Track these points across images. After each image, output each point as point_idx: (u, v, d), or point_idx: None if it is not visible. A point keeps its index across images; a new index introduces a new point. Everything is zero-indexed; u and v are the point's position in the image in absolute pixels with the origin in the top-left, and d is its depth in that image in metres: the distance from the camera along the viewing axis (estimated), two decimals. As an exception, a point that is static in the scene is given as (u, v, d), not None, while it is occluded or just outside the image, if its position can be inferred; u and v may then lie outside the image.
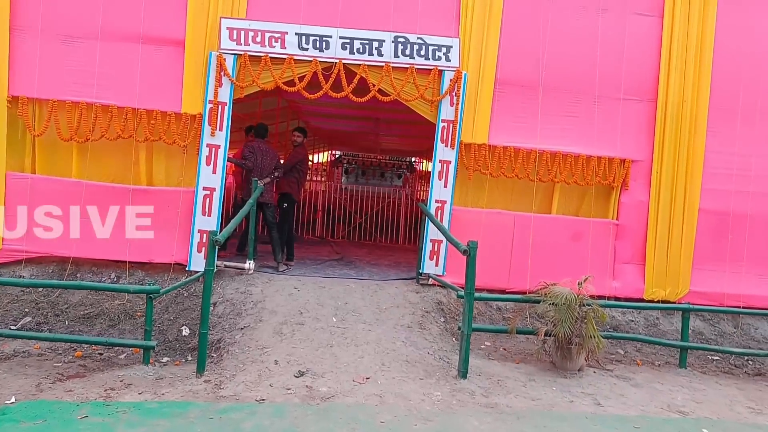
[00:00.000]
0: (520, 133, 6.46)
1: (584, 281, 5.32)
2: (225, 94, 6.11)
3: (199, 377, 4.33)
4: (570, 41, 6.46)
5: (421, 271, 6.43)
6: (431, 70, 6.25)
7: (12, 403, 3.81)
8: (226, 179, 9.11)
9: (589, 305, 5.19)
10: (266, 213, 6.94)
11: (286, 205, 7.31)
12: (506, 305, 6.30)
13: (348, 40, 6.19)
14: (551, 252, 6.43)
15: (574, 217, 6.70)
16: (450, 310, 6.01)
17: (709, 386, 5.27)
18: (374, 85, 6.18)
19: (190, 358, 4.96)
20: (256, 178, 6.60)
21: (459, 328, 5.15)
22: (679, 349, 5.87)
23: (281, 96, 9.33)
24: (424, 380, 4.55)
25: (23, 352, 4.88)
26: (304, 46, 6.16)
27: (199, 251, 5.93)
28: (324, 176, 14.58)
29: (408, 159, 14.69)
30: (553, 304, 5.13)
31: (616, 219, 6.68)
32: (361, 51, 6.19)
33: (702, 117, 6.62)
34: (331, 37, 6.17)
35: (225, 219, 7.22)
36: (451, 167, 6.36)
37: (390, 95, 6.24)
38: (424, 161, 16.37)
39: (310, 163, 14.40)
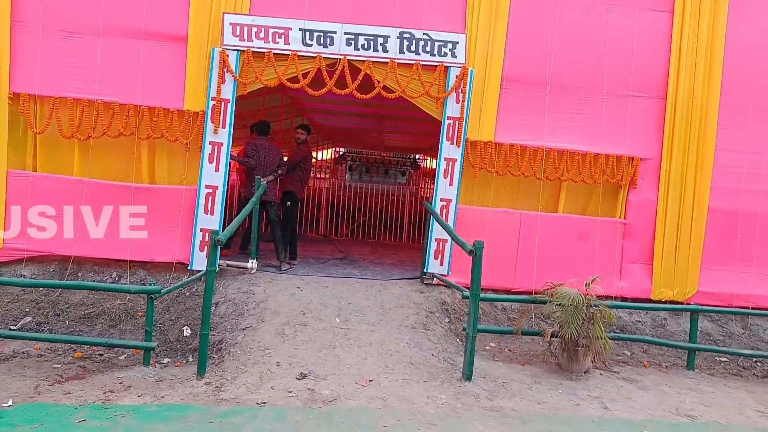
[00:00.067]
0: (526, 131, 6.36)
1: (592, 282, 5.24)
2: (228, 91, 6.05)
3: (200, 379, 4.27)
4: (578, 37, 6.35)
5: (425, 270, 6.35)
6: (437, 66, 6.16)
7: (9, 406, 3.76)
8: (230, 177, 9.11)
9: (596, 306, 5.10)
10: (269, 211, 6.87)
11: (289, 203, 7.24)
12: (511, 305, 6.22)
13: (353, 36, 6.10)
14: (558, 251, 6.35)
15: (581, 216, 6.60)
16: (455, 311, 5.93)
17: (717, 389, 5.18)
18: (379, 82, 6.10)
19: (191, 359, 4.91)
20: (259, 176, 6.54)
21: (464, 329, 5.08)
22: (686, 351, 5.78)
23: (285, 93, 9.26)
24: (428, 383, 4.48)
25: (23, 352, 4.84)
26: (308, 42, 6.07)
27: (201, 250, 5.88)
28: (328, 173, 14.52)
29: (412, 156, 14.62)
30: (559, 305, 5.05)
31: (624, 218, 6.58)
32: (365, 47, 6.10)
33: (712, 114, 6.50)
34: (335, 32, 6.09)
35: (229, 217, 7.17)
36: (457, 165, 6.28)
37: (395, 92, 6.15)
38: (429, 158, 16.31)
39: (313, 160, 14.37)
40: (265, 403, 3.93)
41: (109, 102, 5.91)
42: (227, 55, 5.96)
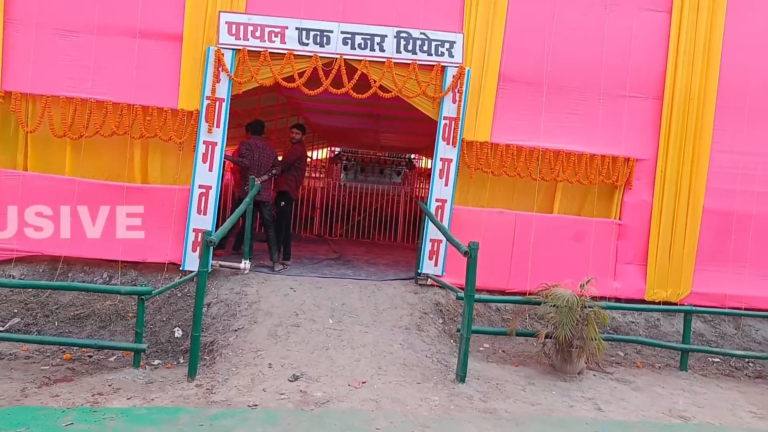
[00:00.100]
0: (523, 131, 6.34)
1: (586, 283, 5.22)
2: (223, 90, 6.00)
3: (191, 381, 4.23)
4: (576, 37, 6.34)
5: (420, 271, 6.33)
6: (434, 66, 6.13)
7: (-5, 409, 3.71)
8: (224, 177, 9.06)
9: (590, 307, 5.09)
10: (263, 211, 6.83)
11: (283, 203, 7.20)
12: (505, 306, 6.21)
13: (349, 35, 6.07)
14: (552, 252, 6.34)
15: (576, 216, 6.59)
16: (449, 311, 5.91)
17: (710, 390, 5.17)
18: (375, 82, 6.07)
19: (182, 361, 4.86)
20: (253, 176, 6.50)
21: (458, 330, 5.06)
22: (679, 351, 5.77)
23: (280, 92, 9.22)
24: (422, 384, 4.45)
25: (10, 354, 4.78)
26: (305, 41, 6.04)
27: (194, 250, 5.83)
28: (323, 173, 14.49)
29: (407, 156, 14.59)
30: (554, 306, 5.03)
31: (619, 219, 6.58)
32: (362, 46, 6.07)
33: (708, 115, 6.50)
34: (332, 31, 6.06)
35: (223, 217, 7.12)
36: (453, 165, 6.25)
37: (391, 92, 6.13)
38: (424, 158, 16.28)
39: (309, 160, 14.33)
40: (256, 405, 3.89)
41: (102, 101, 5.86)
42: (222, 54, 5.92)
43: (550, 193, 6.61)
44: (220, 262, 6.20)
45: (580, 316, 5.01)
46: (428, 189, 6.61)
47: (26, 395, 3.95)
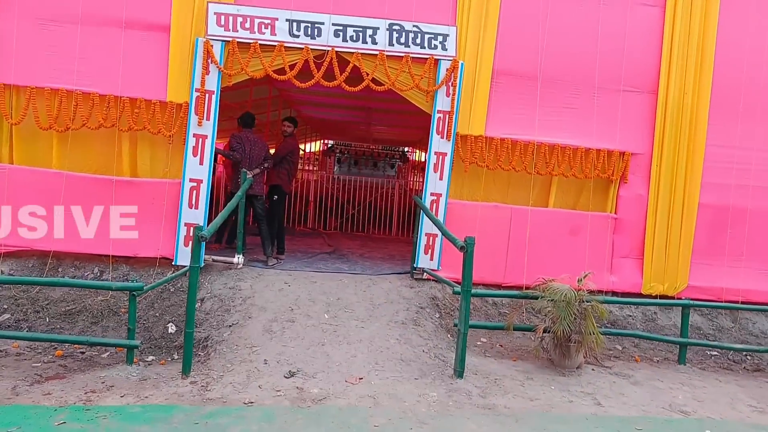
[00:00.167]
0: (517, 125, 6.29)
1: (584, 278, 5.19)
2: (212, 83, 5.88)
3: (185, 378, 4.13)
4: (570, 31, 6.29)
5: (415, 265, 6.26)
6: (427, 59, 6.05)
7: (-15, 408, 3.60)
8: (217, 170, 8.93)
9: (588, 302, 5.05)
10: (255, 206, 6.73)
11: (276, 197, 7.10)
12: (502, 300, 6.15)
13: (341, 27, 5.97)
14: (548, 246, 6.30)
15: (572, 210, 6.55)
16: (445, 306, 5.85)
17: (709, 383, 5.16)
18: (368, 74, 5.99)
19: (176, 357, 4.75)
20: (245, 170, 6.38)
21: (455, 325, 5.01)
22: (677, 345, 5.76)
23: (272, 85, 9.10)
24: (419, 380, 4.40)
25: (0, 351, 4.66)
26: (295, 32, 5.93)
27: (186, 245, 5.72)
28: (316, 166, 14.38)
29: (401, 149, 14.52)
30: (551, 300, 4.99)
31: (615, 213, 6.56)
32: (354, 39, 5.98)
33: (703, 109, 6.49)
34: (323, 23, 5.95)
35: (216, 211, 7.02)
36: (447, 159, 6.19)
37: (384, 85, 6.04)
38: (417, 151, 16.22)
39: (301, 152, 14.21)
40: (252, 402, 3.81)
41: (88, 93, 5.72)
42: (211, 46, 5.80)
43: (545, 187, 6.56)
44: (213, 257, 6.10)
45: (578, 310, 4.97)
46: (422, 182, 6.53)
47: (17, 393, 3.84)
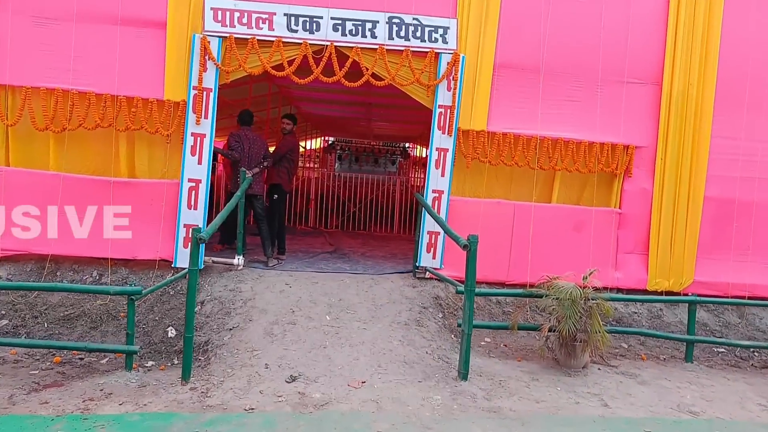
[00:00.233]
0: (520, 119, 6.19)
1: (589, 275, 5.11)
2: (210, 80, 5.79)
3: (185, 384, 4.07)
4: (572, 21, 6.17)
5: (417, 264, 6.18)
6: (427, 52, 5.95)
7: (-19, 418, 3.54)
8: (217, 169, 8.84)
9: (594, 299, 4.97)
10: (255, 205, 6.64)
11: (276, 196, 7.01)
12: (506, 298, 6.08)
13: (340, 21, 5.86)
14: (552, 242, 6.22)
15: (575, 206, 6.46)
16: (448, 305, 5.78)
17: (717, 382, 5.09)
18: (368, 69, 5.89)
19: (176, 362, 4.69)
20: (244, 169, 6.29)
21: (459, 325, 4.93)
22: (684, 342, 5.69)
23: (272, 81, 8.99)
24: (423, 383, 4.33)
25: (-2, 358, 4.62)
26: (294, 27, 5.83)
27: (185, 247, 5.64)
28: (317, 163, 14.30)
29: (402, 145, 14.41)
30: (556, 298, 4.91)
31: (619, 208, 6.46)
32: (353, 33, 5.87)
33: (708, 101, 6.38)
34: (321, 17, 5.85)
35: (216, 212, 6.93)
36: (449, 155, 6.09)
37: (384, 80, 5.94)
38: (419, 147, 16.10)
39: (302, 150, 14.11)
40: (253, 409, 3.74)
41: (84, 92, 5.63)
42: (209, 42, 5.71)
43: (548, 182, 6.47)
44: (213, 258, 6.03)
45: (583, 308, 4.89)
46: (424, 178, 6.44)
47: (14, 403, 3.77)
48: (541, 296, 5.10)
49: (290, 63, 5.82)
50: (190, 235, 4.79)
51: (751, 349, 5.95)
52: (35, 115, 5.57)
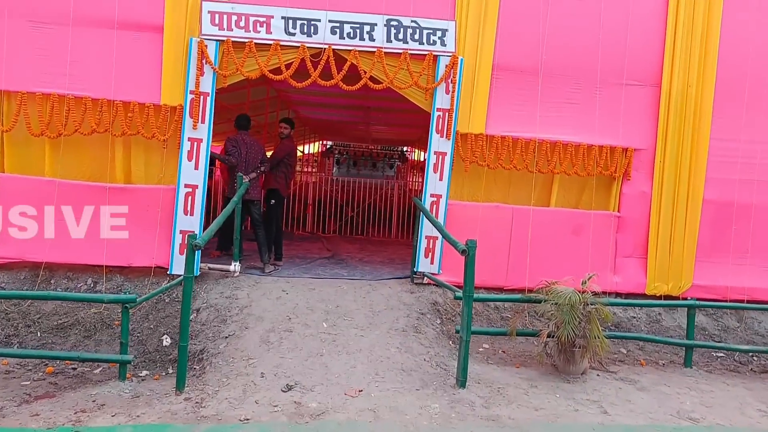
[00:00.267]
0: (518, 122, 6.15)
1: (588, 279, 5.07)
2: (207, 84, 5.75)
3: (179, 394, 4.02)
4: (571, 23, 6.13)
5: (415, 269, 6.14)
6: (426, 55, 5.92)
7: (-31, 432, 3.49)
8: (214, 174, 8.79)
9: (593, 304, 4.93)
10: (252, 211, 6.59)
11: (273, 201, 6.96)
12: (504, 303, 6.03)
13: (338, 24, 5.83)
14: (550, 246, 6.18)
15: (574, 209, 6.42)
16: (446, 311, 5.73)
17: (716, 387, 5.04)
18: (366, 72, 5.85)
19: (171, 371, 4.65)
20: (241, 174, 6.24)
21: (457, 331, 4.89)
22: (683, 347, 5.65)
23: (270, 85, 8.95)
24: (421, 391, 4.28)
25: (-10, 368, 4.56)
26: (291, 30, 5.79)
27: (182, 253, 5.58)
28: (315, 167, 14.27)
29: (400, 148, 14.38)
30: (555, 304, 4.87)
31: (618, 211, 6.42)
32: (351, 35, 5.84)
33: (707, 103, 6.34)
34: (319, 20, 5.81)
35: (214, 217, 6.88)
36: (447, 159, 6.06)
37: (382, 82, 5.90)
38: (417, 150, 16.06)
39: (300, 154, 14.07)
40: (248, 419, 3.69)
41: (80, 97, 5.59)
42: (206, 46, 5.67)
43: (546, 185, 6.43)
44: (209, 265, 5.97)
45: (582, 313, 4.85)
46: (422, 182, 6.39)
47: (4, 415, 3.72)
48: (539, 301, 5.07)
49: (288, 66, 5.78)
50: (186, 242, 4.76)
51: (751, 354, 5.91)
52: (31, 120, 5.54)
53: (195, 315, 5.15)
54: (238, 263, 6.01)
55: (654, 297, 6.31)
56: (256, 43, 5.73)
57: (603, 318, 4.99)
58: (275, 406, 3.88)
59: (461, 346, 4.42)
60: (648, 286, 6.37)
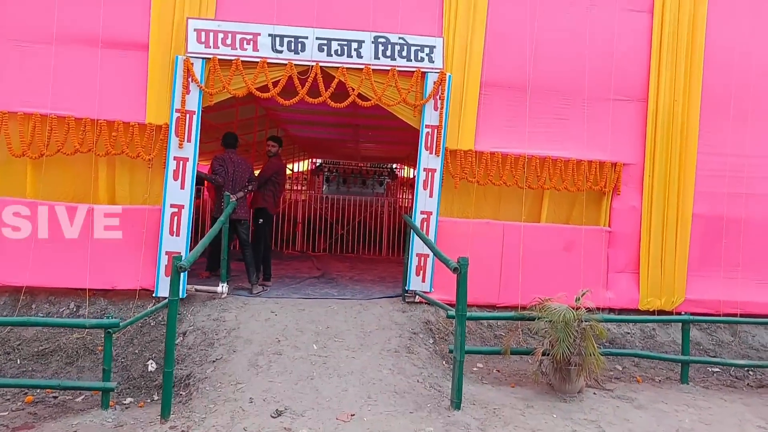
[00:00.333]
0: (507, 138, 6.13)
1: (582, 296, 5.00)
2: (193, 102, 5.67)
3: (164, 422, 3.86)
4: (558, 40, 6.16)
5: (407, 288, 6.05)
6: (414, 72, 5.89)
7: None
8: (202, 194, 8.68)
9: (587, 321, 4.86)
10: (240, 231, 6.47)
11: (261, 220, 6.85)
12: (497, 321, 5.94)
13: (325, 41, 5.80)
14: (542, 262, 6.12)
15: (565, 225, 6.39)
16: (439, 330, 5.63)
17: (714, 403, 4.97)
18: (354, 89, 5.81)
19: (156, 398, 4.48)
20: (228, 193, 6.14)
21: (450, 351, 4.79)
22: (679, 363, 5.59)
23: (258, 104, 8.90)
24: (415, 413, 4.16)
25: (-34, 399, 4.38)
26: (278, 48, 5.75)
27: (167, 275, 5.44)
28: (305, 185, 14.21)
29: (389, 165, 14.38)
30: (549, 321, 4.80)
31: (609, 226, 6.40)
32: (339, 53, 5.81)
33: (694, 117, 6.38)
34: (306, 38, 5.78)
35: (201, 238, 6.76)
36: (437, 176, 6.01)
37: (371, 100, 5.86)
38: (406, 167, 16.08)
39: (289, 172, 14.00)
40: (236, 448, 3.56)
41: (63, 116, 5.48)
42: (192, 64, 5.60)
43: (537, 201, 6.40)
44: (195, 287, 5.83)
45: (577, 330, 4.78)
46: (412, 198, 6.33)
47: (-22, 450, 3.56)
48: (533, 319, 4.99)
49: (275, 84, 5.73)
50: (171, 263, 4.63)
51: (746, 368, 5.86)
52: (12, 141, 5.42)
53: (181, 338, 5.00)
54: (225, 284, 5.88)
55: (647, 312, 6.27)
56: (243, 61, 5.68)
57: (598, 335, 4.93)
58: (264, 433, 3.74)
59: (455, 366, 4.32)
60: (641, 302, 6.33)
